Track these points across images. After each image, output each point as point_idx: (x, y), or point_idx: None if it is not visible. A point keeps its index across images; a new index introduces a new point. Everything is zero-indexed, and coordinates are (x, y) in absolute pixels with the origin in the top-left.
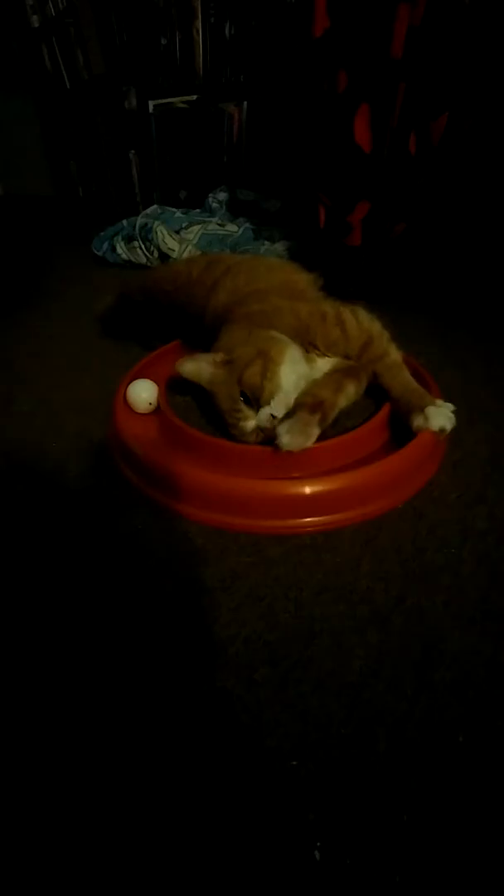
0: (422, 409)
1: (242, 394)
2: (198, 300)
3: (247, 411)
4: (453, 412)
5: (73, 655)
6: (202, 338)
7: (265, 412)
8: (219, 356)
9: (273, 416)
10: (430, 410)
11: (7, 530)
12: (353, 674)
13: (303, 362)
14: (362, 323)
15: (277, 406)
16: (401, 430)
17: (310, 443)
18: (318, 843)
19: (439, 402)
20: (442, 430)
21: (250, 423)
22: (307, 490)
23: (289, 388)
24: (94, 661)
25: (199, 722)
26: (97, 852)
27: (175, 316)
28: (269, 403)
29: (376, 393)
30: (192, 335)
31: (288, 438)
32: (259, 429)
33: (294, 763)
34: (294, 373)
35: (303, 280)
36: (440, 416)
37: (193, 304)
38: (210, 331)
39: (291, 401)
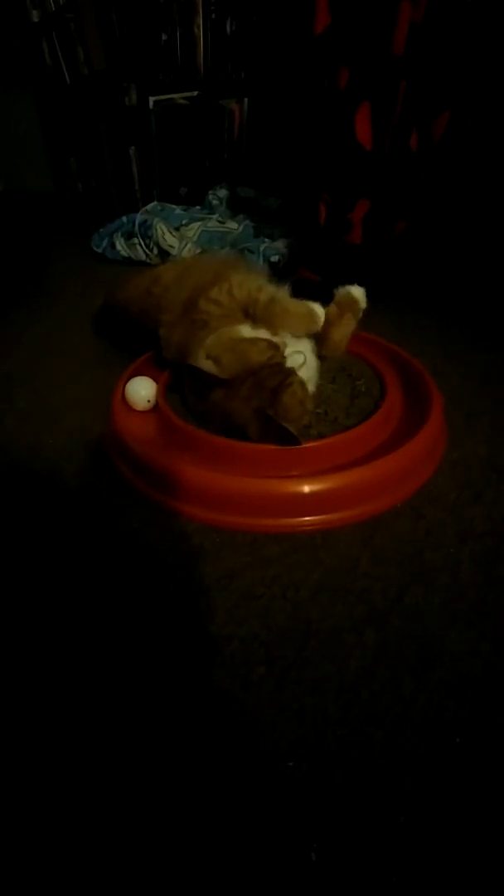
0: None
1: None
2: (151, 322)
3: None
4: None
5: (69, 655)
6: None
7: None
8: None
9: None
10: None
11: (2, 528)
12: (350, 674)
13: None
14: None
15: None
16: (400, 429)
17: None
18: (315, 844)
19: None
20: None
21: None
22: (305, 488)
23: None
24: (91, 661)
25: (195, 722)
26: (95, 852)
27: (144, 331)
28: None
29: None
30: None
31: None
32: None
33: (290, 764)
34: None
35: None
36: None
37: (150, 325)
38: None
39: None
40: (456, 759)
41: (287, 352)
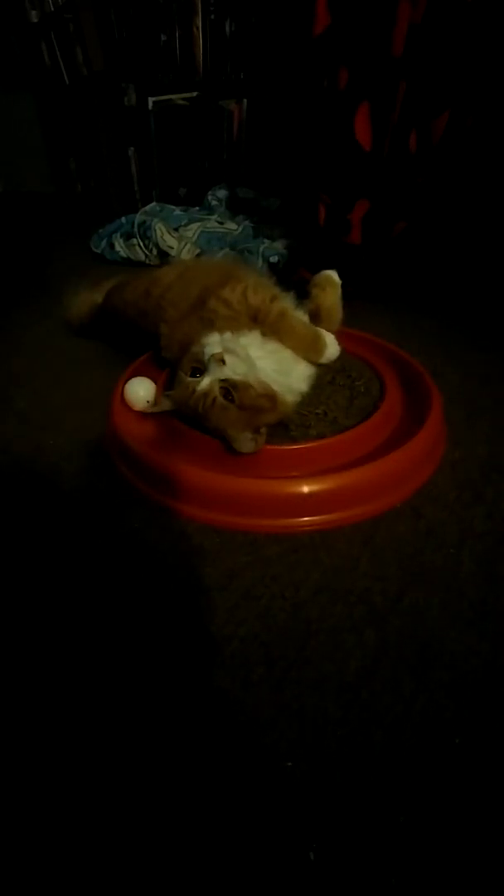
0: None
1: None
2: (150, 324)
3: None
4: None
5: (69, 656)
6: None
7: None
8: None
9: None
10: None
11: (3, 528)
12: (350, 674)
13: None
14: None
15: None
16: (400, 429)
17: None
18: (314, 844)
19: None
20: None
21: (205, 381)
22: (305, 489)
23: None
24: (92, 661)
25: (195, 722)
26: (95, 851)
27: (141, 334)
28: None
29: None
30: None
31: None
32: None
33: (289, 764)
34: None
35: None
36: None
37: (148, 327)
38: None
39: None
40: (455, 760)
41: (206, 358)
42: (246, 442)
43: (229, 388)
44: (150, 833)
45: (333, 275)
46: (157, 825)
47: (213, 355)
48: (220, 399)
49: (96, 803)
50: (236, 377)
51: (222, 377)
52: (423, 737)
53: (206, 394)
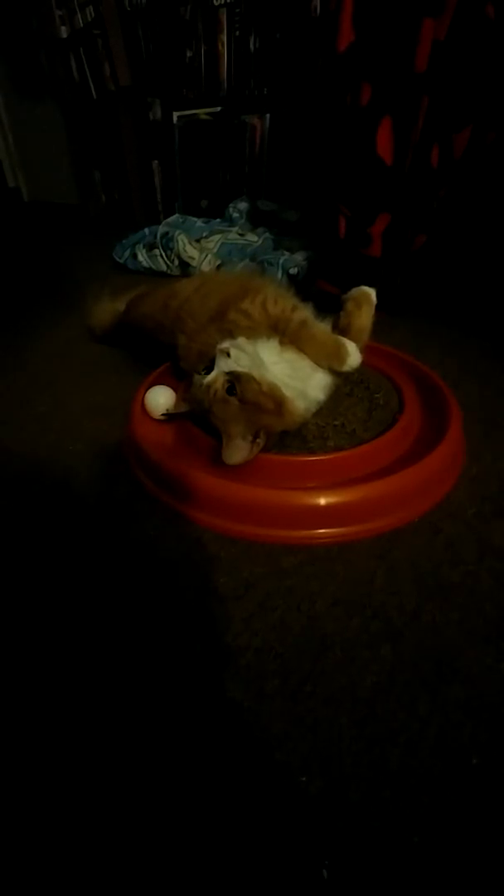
0: None
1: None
2: (168, 335)
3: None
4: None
5: (82, 663)
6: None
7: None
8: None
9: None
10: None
11: (21, 533)
12: (366, 689)
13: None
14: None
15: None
16: (418, 443)
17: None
18: (327, 861)
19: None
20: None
21: (211, 374)
22: (322, 501)
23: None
24: (105, 669)
25: (208, 733)
26: (105, 866)
27: (160, 345)
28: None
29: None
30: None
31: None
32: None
33: (303, 779)
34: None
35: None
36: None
37: (166, 338)
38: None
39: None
40: (472, 780)
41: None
42: (237, 447)
43: (233, 382)
44: (161, 846)
45: (372, 294)
46: (168, 838)
47: (219, 348)
48: (222, 392)
49: (109, 814)
50: (240, 369)
51: (227, 370)
52: (439, 755)
53: (211, 386)
